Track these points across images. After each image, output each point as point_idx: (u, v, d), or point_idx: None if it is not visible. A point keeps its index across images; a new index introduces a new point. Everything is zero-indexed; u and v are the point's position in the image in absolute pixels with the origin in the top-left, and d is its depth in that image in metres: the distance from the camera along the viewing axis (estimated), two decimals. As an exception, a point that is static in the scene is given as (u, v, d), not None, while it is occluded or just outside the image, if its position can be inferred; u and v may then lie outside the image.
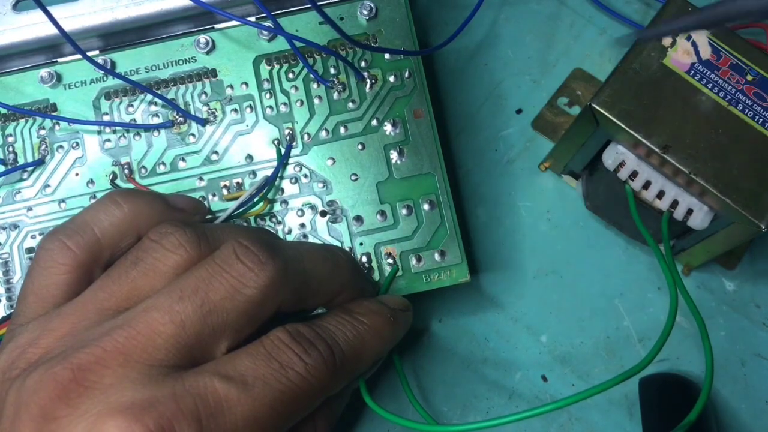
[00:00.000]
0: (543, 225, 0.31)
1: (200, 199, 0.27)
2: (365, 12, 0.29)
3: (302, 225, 0.27)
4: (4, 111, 0.28)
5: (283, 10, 0.30)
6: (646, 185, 0.26)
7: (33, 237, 0.27)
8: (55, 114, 0.28)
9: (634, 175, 0.26)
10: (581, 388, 0.29)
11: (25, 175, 0.28)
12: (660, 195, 0.26)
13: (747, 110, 0.25)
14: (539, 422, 0.28)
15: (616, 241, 0.31)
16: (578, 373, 0.29)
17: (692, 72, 0.26)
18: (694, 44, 0.26)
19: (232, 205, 0.26)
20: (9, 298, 0.27)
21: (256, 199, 0.27)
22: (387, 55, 0.29)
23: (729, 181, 0.24)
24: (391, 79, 0.29)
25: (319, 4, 0.28)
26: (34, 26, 0.29)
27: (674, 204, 0.26)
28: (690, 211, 0.26)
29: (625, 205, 0.27)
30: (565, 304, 0.30)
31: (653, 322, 0.30)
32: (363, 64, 0.29)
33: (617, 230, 0.30)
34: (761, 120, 0.25)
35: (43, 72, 0.29)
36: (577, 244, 0.31)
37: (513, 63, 0.34)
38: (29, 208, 0.27)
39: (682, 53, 0.26)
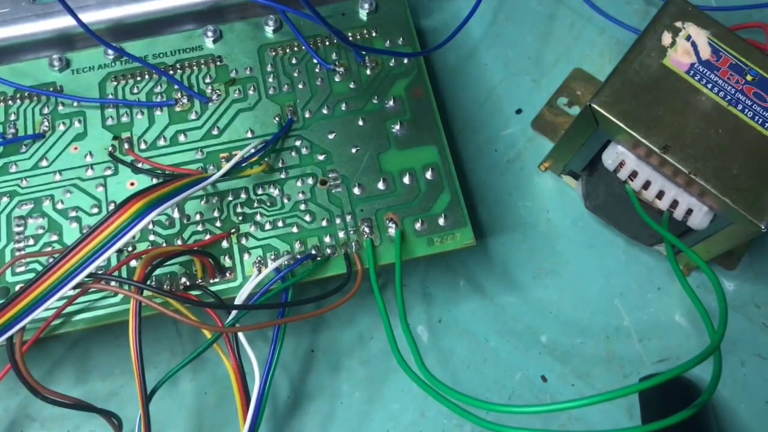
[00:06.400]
0: (543, 225, 0.31)
1: (198, 169, 0.28)
2: (366, 7, 0.31)
3: (302, 192, 0.28)
4: (10, 91, 0.29)
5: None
6: (646, 185, 0.26)
7: (24, 205, 0.27)
8: (61, 93, 0.29)
9: (633, 175, 0.26)
10: (581, 388, 0.29)
11: (23, 149, 0.28)
12: (660, 195, 0.26)
13: (747, 110, 0.25)
14: (539, 421, 0.28)
15: (616, 241, 0.31)
16: (578, 373, 0.29)
17: (692, 72, 0.26)
18: (693, 44, 0.26)
19: (230, 162, 0.27)
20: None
21: (254, 160, 0.27)
22: (388, 43, 0.30)
23: (729, 181, 0.24)
24: (391, 63, 0.30)
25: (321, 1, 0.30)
26: (50, 17, 0.30)
27: (674, 204, 0.26)
28: (690, 211, 0.26)
29: (624, 205, 0.27)
30: (565, 304, 0.30)
31: (653, 322, 0.30)
32: (363, 51, 0.30)
33: (617, 230, 0.30)
34: (761, 120, 0.25)
35: (54, 57, 0.29)
36: (577, 244, 0.31)
37: (513, 63, 0.34)
38: (23, 179, 0.28)
39: (682, 53, 0.26)
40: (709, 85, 0.26)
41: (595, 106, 0.25)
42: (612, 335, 0.30)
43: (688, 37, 0.26)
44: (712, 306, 0.30)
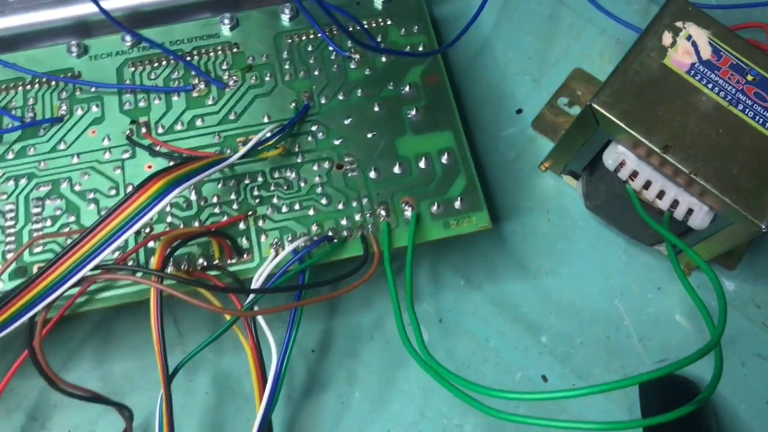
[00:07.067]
0: (543, 225, 0.31)
1: (216, 152, 0.28)
2: None
3: (319, 176, 0.28)
4: (28, 77, 0.29)
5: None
6: (647, 185, 0.26)
7: (41, 187, 0.27)
8: (79, 79, 0.29)
9: (634, 175, 0.26)
10: (581, 388, 0.29)
11: (42, 132, 0.28)
12: (660, 195, 0.26)
13: (747, 110, 0.25)
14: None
15: (616, 241, 0.31)
16: (578, 373, 0.29)
17: (692, 72, 0.26)
18: (694, 44, 0.26)
19: (248, 144, 0.27)
20: (8, 250, 0.26)
21: (270, 143, 0.27)
22: (403, 31, 0.31)
23: (729, 181, 0.24)
24: (406, 49, 0.30)
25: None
26: (68, 4, 0.30)
27: (674, 204, 0.26)
28: (690, 211, 0.26)
29: (625, 205, 0.27)
30: (565, 304, 0.30)
31: (653, 322, 0.30)
32: (379, 38, 0.30)
33: (617, 230, 0.30)
34: (761, 120, 0.25)
35: (72, 44, 0.30)
36: (577, 244, 0.31)
37: (513, 63, 0.34)
38: (42, 162, 0.28)
39: (682, 53, 0.26)
40: (710, 85, 0.26)
41: (596, 106, 0.25)
42: (612, 335, 0.30)
43: (689, 37, 0.26)
44: (713, 306, 0.30)
